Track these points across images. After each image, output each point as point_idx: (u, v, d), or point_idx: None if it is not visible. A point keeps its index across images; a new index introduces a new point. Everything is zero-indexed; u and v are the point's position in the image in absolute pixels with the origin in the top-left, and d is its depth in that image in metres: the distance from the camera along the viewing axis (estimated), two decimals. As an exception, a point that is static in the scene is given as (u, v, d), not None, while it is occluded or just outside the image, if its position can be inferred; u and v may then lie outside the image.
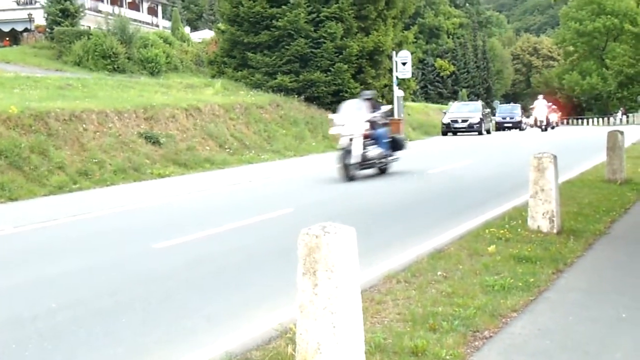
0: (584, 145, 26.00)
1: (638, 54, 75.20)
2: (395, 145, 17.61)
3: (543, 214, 8.73)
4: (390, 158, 17.35)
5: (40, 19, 45.82)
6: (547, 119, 43.34)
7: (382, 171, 17.35)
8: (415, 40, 56.01)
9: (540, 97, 46.62)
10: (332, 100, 32.65)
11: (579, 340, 5.12)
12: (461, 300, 5.90)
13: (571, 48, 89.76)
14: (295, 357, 4.18)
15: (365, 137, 16.22)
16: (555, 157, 8.84)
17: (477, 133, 39.30)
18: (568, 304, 5.96)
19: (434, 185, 15.24)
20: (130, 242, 9.85)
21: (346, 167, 15.85)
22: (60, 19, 41.32)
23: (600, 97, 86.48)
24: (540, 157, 8.82)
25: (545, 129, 42.01)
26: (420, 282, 6.57)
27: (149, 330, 5.83)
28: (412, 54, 39.00)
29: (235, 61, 33.75)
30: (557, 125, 53.93)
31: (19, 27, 50.00)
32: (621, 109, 76.31)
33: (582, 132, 44.00)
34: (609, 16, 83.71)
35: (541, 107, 44.14)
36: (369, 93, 18.21)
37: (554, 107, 54.07)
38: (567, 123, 75.70)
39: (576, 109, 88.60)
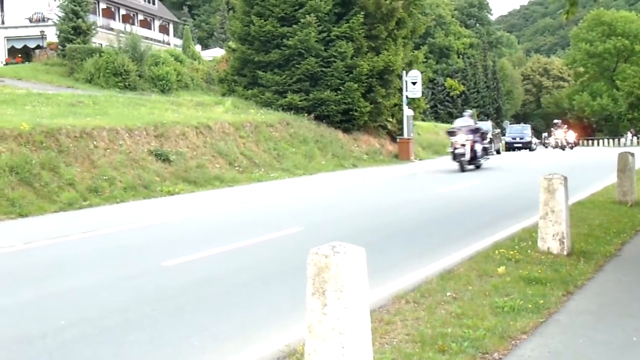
0: (594, 166, 25.92)
1: (649, 75, 75.19)
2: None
3: (553, 236, 8.70)
4: None
5: (52, 36, 46.12)
6: (472, 150, 25.46)
7: None
8: (425, 59, 56.15)
9: (467, 114, 29.11)
10: (342, 119, 32.75)
11: (590, 364, 5.08)
12: (470, 321, 5.87)
13: (581, 69, 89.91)
14: (304, 377, 4.17)
15: None
16: (565, 178, 8.82)
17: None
18: (578, 327, 5.92)
19: (443, 205, 15.20)
20: (140, 259, 9.85)
21: None
22: (72, 37, 41.55)
23: (611, 118, 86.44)
24: (551, 178, 8.80)
25: (475, 164, 26.01)
26: (429, 303, 6.55)
27: (157, 349, 5.82)
28: (422, 73, 39.02)
29: (246, 79, 33.87)
30: (575, 145, 52.71)
31: (32, 44, 50.37)
32: (631, 130, 76.15)
33: (593, 153, 43.87)
34: (619, 37, 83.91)
35: (461, 133, 25.78)
36: None
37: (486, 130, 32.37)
38: (577, 144, 75.55)
39: (586, 130, 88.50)
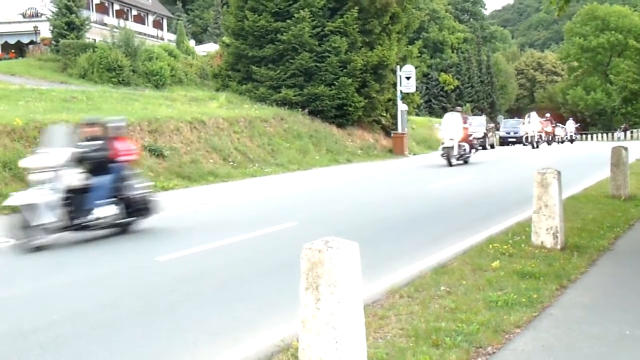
0: (589, 161, 25.97)
1: (642, 69, 75.35)
2: (132, 206, 11.56)
3: (547, 230, 8.71)
4: (121, 220, 11.38)
5: (46, 31, 45.98)
6: None
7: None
8: (419, 54, 56.01)
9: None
10: (336, 114, 32.71)
11: (583, 358, 5.09)
12: (464, 315, 5.87)
13: (575, 63, 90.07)
14: (297, 372, 4.17)
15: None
16: (559, 172, 8.83)
17: (480, 148, 39.25)
18: (571, 321, 5.93)
19: (437, 200, 15.20)
20: (134, 254, 9.84)
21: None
22: (65, 32, 41.47)
23: (605, 113, 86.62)
24: (544, 172, 8.80)
25: None
26: (423, 297, 6.55)
27: (151, 343, 5.81)
28: (416, 68, 38.93)
29: (240, 74, 33.80)
30: (557, 141, 51.65)
31: (25, 40, 50.21)
32: (624, 124, 76.31)
33: (587, 147, 43.91)
34: (613, 32, 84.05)
35: None
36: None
37: None
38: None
39: (580, 124, 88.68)
